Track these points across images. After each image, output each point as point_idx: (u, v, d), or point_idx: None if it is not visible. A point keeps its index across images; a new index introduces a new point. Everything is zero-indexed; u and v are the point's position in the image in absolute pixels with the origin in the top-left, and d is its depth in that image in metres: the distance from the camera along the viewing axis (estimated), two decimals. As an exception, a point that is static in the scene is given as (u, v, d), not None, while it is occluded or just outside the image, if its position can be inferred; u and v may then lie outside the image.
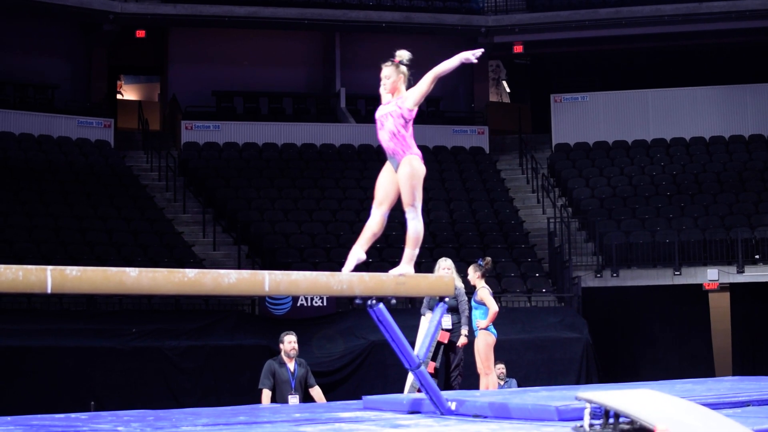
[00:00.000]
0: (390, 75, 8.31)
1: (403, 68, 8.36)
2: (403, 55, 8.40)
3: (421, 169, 8.15)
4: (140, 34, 29.84)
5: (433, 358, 12.92)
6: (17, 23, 29.03)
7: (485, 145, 30.26)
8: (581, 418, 6.31)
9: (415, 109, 8.12)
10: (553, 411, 7.15)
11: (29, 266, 6.56)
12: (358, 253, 8.03)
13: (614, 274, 24.01)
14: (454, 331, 13.27)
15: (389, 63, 8.36)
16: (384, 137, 8.13)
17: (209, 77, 30.68)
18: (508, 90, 36.08)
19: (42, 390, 16.91)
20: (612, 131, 29.84)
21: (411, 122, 8.12)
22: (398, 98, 8.17)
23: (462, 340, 13.17)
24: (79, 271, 6.73)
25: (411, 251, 7.98)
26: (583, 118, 30.06)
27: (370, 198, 25.70)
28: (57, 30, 29.62)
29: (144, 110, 30.44)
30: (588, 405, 6.22)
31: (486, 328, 13.28)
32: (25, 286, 6.58)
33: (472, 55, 8.15)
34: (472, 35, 31.06)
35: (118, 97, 33.23)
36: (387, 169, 8.21)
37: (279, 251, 23.46)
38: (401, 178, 8.05)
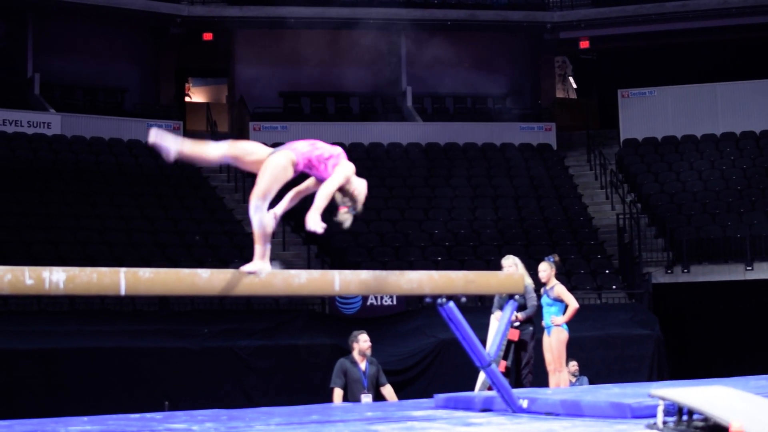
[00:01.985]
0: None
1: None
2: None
3: (288, 167, 7.69)
4: (207, 36, 30.09)
5: (504, 357, 12.90)
6: (86, 28, 29.39)
7: (553, 142, 30.13)
8: (654, 416, 6.29)
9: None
10: (627, 408, 7.12)
11: (103, 269, 6.67)
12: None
13: (685, 270, 23.81)
14: (524, 330, 13.23)
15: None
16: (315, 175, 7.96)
17: (276, 78, 30.85)
18: (574, 86, 35.89)
19: (117, 390, 17.09)
20: (680, 126, 29.56)
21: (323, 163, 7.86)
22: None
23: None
24: (152, 273, 6.82)
25: (261, 247, 7.36)
26: (651, 113, 29.81)
27: (438, 196, 25.84)
28: (125, 34, 29.96)
29: (212, 112, 30.66)
30: (661, 402, 6.20)
31: (560, 325, 13.22)
32: (99, 289, 6.69)
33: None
34: (538, 31, 30.98)
35: (187, 99, 33.51)
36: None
37: (348, 250, 23.53)
38: (266, 163, 7.55)
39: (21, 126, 26.68)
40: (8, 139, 26.06)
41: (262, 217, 7.37)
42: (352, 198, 7.44)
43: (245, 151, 7.58)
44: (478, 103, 31.55)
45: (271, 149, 7.64)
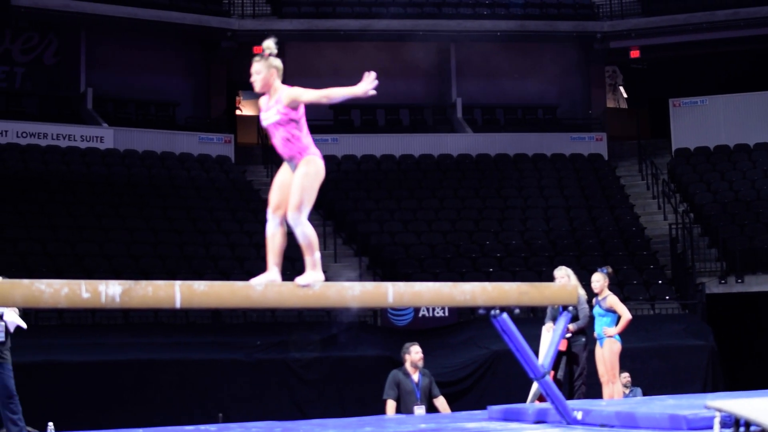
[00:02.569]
0: (260, 70, 7.44)
1: (275, 61, 7.46)
2: (269, 45, 7.49)
3: (320, 171, 7.41)
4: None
5: (556, 367, 12.85)
6: (138, 43, 29.65)
7: (604, 152, 30.00)
8: (711, 427, 6.25)
9: (302, 107, 7.37)
10: (682, 420, 7.08)
11: (159, 282, 6.73)
12: (273, 274, 7.42)
13: (739, 280, 23.60)
14: (576, 341, 13.17)
15: (258, 58, 7.47)
16: (278, 144, 7.43)
17: (326, 90, 30.88)
18: (625, 95, 35.73)
19: (171, 402, 17.20)
20: (733, 134, 29.33)
21: (302, 119, 7.39)
22: (276, 100, 7.37)
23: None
24: (207, 286, 6.87)
25: (311, 257, 7.36)
26: (702, 122, 29.61)
27: (489, 207, 25.79)
28: (177, 48, 30.19)
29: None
30: (718, 414, 6.16)
31: (612, 336, 13.16)
32: (155, 302, 6.75)
33: (370, 88, 7.43)
34: (588, 41, 30.88)
35: (237, 112, 33.68)
36: (284, 170, 7.50)
37: (399, 262, 23.54)
38: (295, 177, 7.31)
39: (74, 140, 26.94)
40: (62, 154, 26.32)
41: (304, 229, 7.36)
42: None
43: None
44: (529, 114, 31.48)
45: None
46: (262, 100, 7.54)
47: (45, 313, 18.43)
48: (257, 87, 7.43)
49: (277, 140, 7.39)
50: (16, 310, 10.41)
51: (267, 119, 7.39)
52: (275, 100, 7.35)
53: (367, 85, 7.34)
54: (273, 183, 7.45)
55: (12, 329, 10.54)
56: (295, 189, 7.25)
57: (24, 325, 10.62)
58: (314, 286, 7.15)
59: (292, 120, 7.31)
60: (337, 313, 18.99)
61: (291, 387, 18.15)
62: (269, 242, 7.41)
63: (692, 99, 30.05)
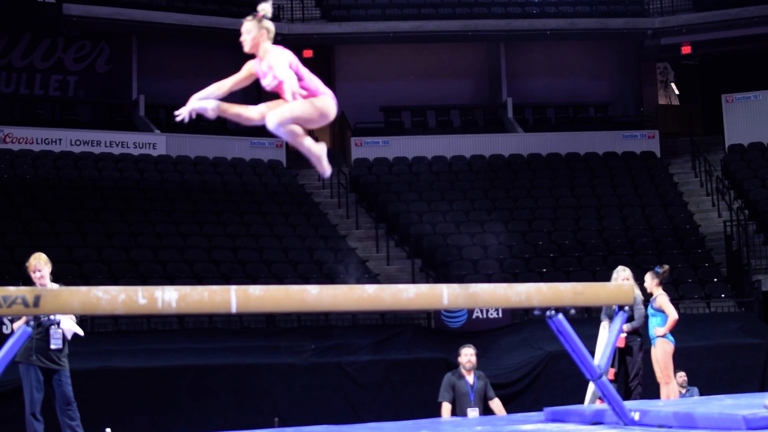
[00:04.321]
0: (250, 30, 7.26)
1: (267, 23, 7.27)
2: (265, 8, 7.30)
3: (328, 105, 7.30)
4: (307, 53, 30.35)
5: (612, 364, 12.78)
6: (188, 48, 29.85)
7: (656, 150, 29.80)
8: (771, 427, 6.19)
9: (294, 62, 7.12)
10: (741, 420, 7.01)
11: (214, 287, 6.75)
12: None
13: (795, 277, 23.39)
14: (631, 341, 13.10)
15: (250, 17, 7.30)
16: (289, 98, 7.08)
17: (376, 93, 30.99)
18: (676, 92, 35.49)
19: (226, 407, 17.27)
20: (788, 129, 29.06)
21: (299, 68, 7.17)
22: (268, 65, 7.19)
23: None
24: (262, 291, 6.88)
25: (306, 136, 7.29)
26: (756, 118, 29.32)
27: (541, 207, 25.71)
28: (226, 53, 30.15)
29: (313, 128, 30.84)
30: (777, 413, 6.10)
31: (664, 336, 13.08)
32: (211, 307, 6.77)
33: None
34: (639, 38, 30.71)
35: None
36: None
37: (452, 264, 23.52)
38: (301, 100, 7.08)
39: (127, 147, 27.15)
40: (115, 161, 26.53)
41: (281, 130, 7.12)
42: None
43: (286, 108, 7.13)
44: (580, 113, 31.34)
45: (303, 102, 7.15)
46: (254, 64, 7.40)
47: (101, 320, 18.56)
48: (246, 47, 7.30)
49: (287, 95, 7.06)
50: (73, 317, 10.50)
51: (268, 84, 7.28)
52: (267, 65, 7.21)
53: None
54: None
55: (69, 336, 10.64)
56: (292, 104, 7.02)
57: (81, 332, 10.71)
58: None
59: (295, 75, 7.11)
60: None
61: (346, 390, 18.18)
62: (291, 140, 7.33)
63: (745, 94, 29.76)
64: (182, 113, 7.26)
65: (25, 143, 26.31)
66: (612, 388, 7.84)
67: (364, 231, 26.09)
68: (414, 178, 28.15)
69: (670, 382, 13.18)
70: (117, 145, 27.06)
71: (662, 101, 34.14)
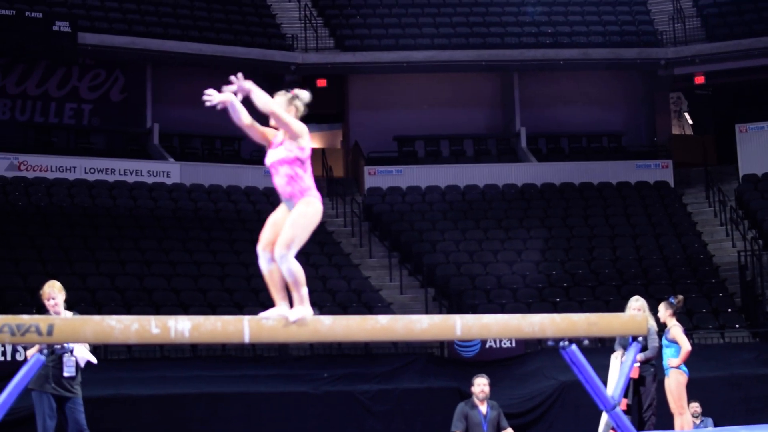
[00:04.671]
0: (280, 104, 7.40)
1: (298, 103, 7.44)
2: (303, 94, 7.51)
3: (317, 213, 7.25)
4: (321, 83, 30.47)
5: (625, 395, 12.74)
6: (202, 77, 29.89)
7: (670, 179, 29.76)
8: (785, 459, 6.17)
9: (307, 148, 7.29)
10: (755, 451, 7.00)
11: (227, 317, 6.78)
12: (283, 309, 7.11)
13: (810, 307, 23.29)
14: (644, 371, 13.06)
15: (283, 92, 7.49)
16: (280, 183, 7.28)
17: (390, 122, 31.04)
18: (690, 122, 35.46)
19: (239, 435, 17.30)
20: (802, 160, 28.99)
21: (308, 161, 7.30)
22: (290, 140, 7.31)
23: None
24: (275, 321, 6.90)
25: (298, 293, 7.05)
26: (770, 148, 29.30)
27: (555, 237, 25.67)
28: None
29: (327, 158, 30.94)
30: (792, 445, 6.08)
31: (677, 367, 13.05)
32: (224, 337, 6.80)
33: None
34: (652, 68, 30.72)
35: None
36: (281, 210, 7.34)
37: (466, 293, 23.50)
38: (291, 214, 7.16)
39: (141, 175, 27.23)
40: (129, 189, 26.60)
41: (290, 266, 7.08)
42: None
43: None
44: (594, 142, 31.35)
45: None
46: (271, 132, 7.49)
47: (114, 347, 18.57)
48: (273, 121, 7.34)
49: (280, 178, 7.26)
50: (87, 345, 10.53)
51: (273, 156, 7.32)
52: (289, 141, 7.30)
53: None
54: (267, 221, 7.29)
55: (82, 364, 10.66)
56: (288, 225, 7.10)
57: (94, 360, 10.73)
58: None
59: (298, 159, 7.23)
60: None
61: (358, 419, 18.16)
62: (268, 279, 7.19)
63: (759, 124, 29.72)
64: (214, 98, 7.32)
65: (40, 171, 26.40)
66: (626, 419, 7.82)
67: (377, 260, 26.08)
68: (427, 207, 28.16)
69: (684, 412, 13.13)
70: (131, 174, 27.14)
71: (676, 131, 34.11)
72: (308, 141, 7.29)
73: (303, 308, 7.00)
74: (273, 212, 7.34)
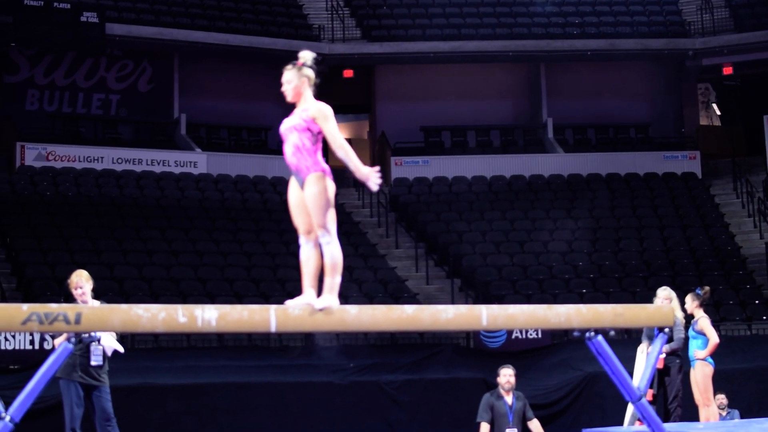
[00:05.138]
0: (291, 79, 7.25)
1: (308, 71, 7.27)
2: (306, 56, 7.28)
3: (330, 187, 7.17)
4: (347, 73, 30.47)
5: (651, 386, 12.71)
6: (229, 68, 30.02)
7: (697, 170, 29.66)
8: (812, 450, 6.15)
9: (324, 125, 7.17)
10: (782, 443, 6.97)
11: (254, 306, 6.79)
12: (309, 296, 7.07)
13: (838, 299, 23.18)
14: (670, 363, 13.02)
15: (290, 66, 7.28)
16: (288, 151, 7.20)
17: (416, 113, 31.03)
18: (718, 113, 35.30)
19: (265, 425, 17.31)
20: (831, 150, 28.83)
21: (320, 136, 7.19)
22: (303, 108, 7.22)
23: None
24: (301, 310, 6.91)
25: (331, 279, 7.05)
26: (799, 139, 29.14)
27: (582, 228, 25.43)
28: (268, 73, 30.27)
29: (354, 148, 30.82)
30: (819, 436, 6.06)
31: (704, 359, 13.00)
32: (250, 326, 6.80)
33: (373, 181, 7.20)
34: (680, 59, 30.59)
35: (328, 136, 33.87)
36: (293, 188, 7.26)
37: (492, 284, 23.49)
38: (308, 200, 7.11)
39: (168, 165, 27.32)
40: (157, 179, 26.69)
41: (332, 249, 7.09)
42: None
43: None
44: (621, 133, 31.26)
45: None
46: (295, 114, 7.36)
47: (141, 336, 18.66)
48: (288, 96, 7.28)
49: (288, 146, 7.20)
50: (114, 334, 10.58)
51: (287, 122, 7.26)
52: (302, 108, 7.22)
53: (373, 177, 7.18)
54: (289, 206, 7.26)
55: (109, 353, 10.71)
56: (312, 211, 7.09)
57: (121, 349, 10.78)
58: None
59: (309, 130, 7.15)
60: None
61: (384, 409, 18.17)
62: (304, 266, 7.19)
63: (787, 115, 29.56)
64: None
65: (68, 161, 26.53)
66: (651, 410, 7.81)
67: (403, 250, 26.10)
68: (454, 197, 28.15)
69: (710, 404, 13.09)
70: (158, 164, 27.24)
71: (703, 122, 33.97)
72: (325, 124, 7.17)
73: (331, 297, 6.97)
74: (288, 194, 7.28)
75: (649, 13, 31.62)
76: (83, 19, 26.74)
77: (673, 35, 30.60)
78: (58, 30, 26.63)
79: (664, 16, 31.50)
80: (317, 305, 6.92)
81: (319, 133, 7.15)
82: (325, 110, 7.17)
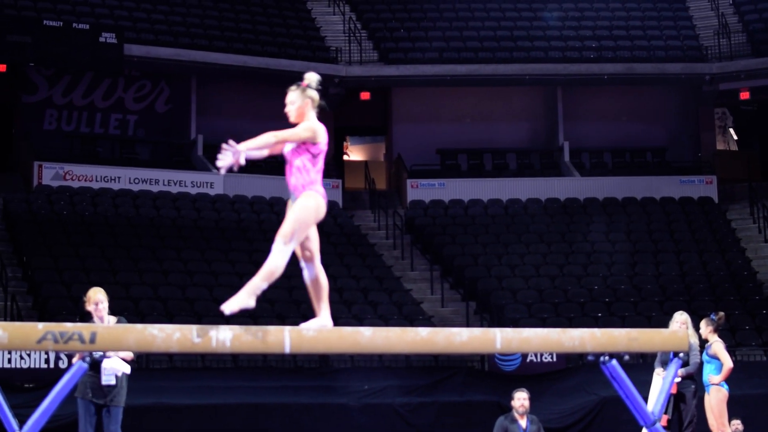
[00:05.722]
0: (294, 100, 7.26)
1: (312, 92, 7.26)
2: (311, 78, 7.30)
3: (320, 207, 7.15)
4: (364, 96, 30.54)
5: (665, 411, 12.67)
6: (247, 89, 30.13)
7: (714, 195, 29.59)
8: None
9: (321, 143, 7.11)
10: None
11: (269, 327, 6.80)
12: (325, 319, 7.23)
13: None
14: (685, 387, 13.00)
15: (294, 87, 7.30)
16: (289, 173, 7.20)
17: (433, 135, 31.07)
18: (735, 137, 35.26)
19: (279, 446, 17.34)
20: None
21: (320, 156, 7.15)
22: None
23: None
24: (316, 332, 6.92)
25: (258, 281, 7.10)
26: (816, 164, 29.09)
27: (597, 251, 25.45)
28: (285, 94, 30.52)
29: (370, 170, 31.01)
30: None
31: (718, 384, 12.97)
32: (264, 347, 6.82)
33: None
34: (697, 83, 30.57)
35: (345, 158, 33.95)
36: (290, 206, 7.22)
37: (507, 307, 23.46)
38: (293, 206, 7.09)
39: (185, 186, 27.40)
40: (173, 199, 26.75)
41: (279, 260, 7.08)
42: None
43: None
44: (637, 157, 31.24)
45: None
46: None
47: (156, 356, 18.69)
48: (291, 117, 7.25)
49: (290, 168, 7.18)
50: (131, 354, 10.54)
51: (288, 146, 7.21)
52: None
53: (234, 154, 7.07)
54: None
55: (118, 375, 10.64)
56: (289, 217, 7.05)
57: (128, 371, 10.74)
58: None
59: (308, 151, 7.10)
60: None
61: (398, 431, 18.15)
62: (310, 289, 7.29)
63: (804, 141, 29.52)
64: (223, 164, 7.20)
65: (85, 181, 26.61)
66: (666, 435, 7.78)
67: (418, 273, 26.08)
68: (469, 220, 28.15)
69: (725, 429, 13.05)
70: (175, 184, 27.31)
71: (720, 146, 33.92)
72: (322, 137, 7.13)
73: (247, 297, 7.04)
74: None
75: (666, 37, 31.62)
76: (102, 39, 26.87)
77: (690, 60, 30.58)
78: (77, 50, 26.77)
79: (681, 41, 31.49)
80: (224, 307, 6.89)
81: (319, 153, 7.12)
82: (313, 125, 7.12)
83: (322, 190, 7.14)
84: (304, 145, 7.10)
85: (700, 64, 30.43)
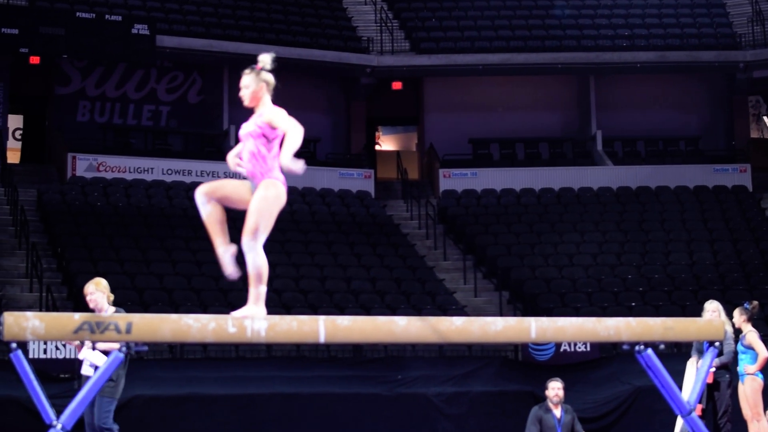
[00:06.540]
0: (249, 84, 7.12)
1: (266, 75, 7.19)
2: (265, 60, 7.20)
3: (280, 196, 7.10)
4: (396, 86, 30.52)
5: (700, 401, 12.61)
6: (278, 80, 30.11)
7: (748, 183, 29.41)
8: None
9: (279, 129, 6.96)
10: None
11: (303, 317, 6.81)
12: (225, 252, 7.26)
13: None
14: (720, 377, 12.93)
15: (248, 70, 7.18)
16: (244, 156, 7.04)
17: (465, 125, 31.03)
18: (769, 125, 35.05)
19: (312, 436, 17.36)
20: None
21: (275, 141, 6.99)
22: (258, 114, 7.06)
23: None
24: (350, 321, 6.92)
25: (256, 290, 6.99)
26: None
27: (631, 241, 25.31)
28: (317, 85, 30.60)
29: (402, 160, 31.00)
30: None
31: (753, 374, 12.90)
32: (299, 336, 6.82)
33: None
34: (730, 71, 30.41)
35: (377, 148, 33.96)
36: (241, 181, 7.12)
37: (540, 296, 23.41)
38: (253, 200, 6.97)
39: (218, 176, 27.41)
40: (206, 190, 26.78)
41: (256, 258, 7.07)
42: None
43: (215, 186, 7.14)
44: (670, 146, 31.09)
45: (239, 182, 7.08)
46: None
47: (190, 346, 18.75)
48: (246, 101, 7.13)
49: (245, 152, 7.06)
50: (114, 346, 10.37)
51: (243, 129, 7.10)
52: (258, 113, 7.09)
53: (295, 167, 6.83)
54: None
55: (90, 365, 10.44)
56: (251, 211, 6.96)
57: (99, 363, 10.42)
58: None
59: (264, 136, 6.98)
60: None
61: (432, 421, 18.14)
62: (209, 225, 7.31)
63: (839, 128, 29.30)
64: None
65: (118, 172, 26.73)
66: (701, 425, 7.75)
67: (451, 262, 26.07)
68: (502, 210, 28.10)
69: (760, 419, 12.97)
70: (208, 175, 27.36)
71: (754, 135, 33.71)
72: (282, 121, 6.99)
73: (256, 307, 6.92)
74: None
75: (700, 25, 31.45)
76: (134, 31, 26.98)
77: (723, 47, 30.41)
78: (110, 42, 26.88)
79: (715, 29, 31.31)
80: (237, 314, 6.80)
81: (275, 138, 7.00)
82: (280, 112, 7.04)
83: (281, 176, 7.06)
84: (261, 130, 6.99)
85: (734, 51, 30.26)
